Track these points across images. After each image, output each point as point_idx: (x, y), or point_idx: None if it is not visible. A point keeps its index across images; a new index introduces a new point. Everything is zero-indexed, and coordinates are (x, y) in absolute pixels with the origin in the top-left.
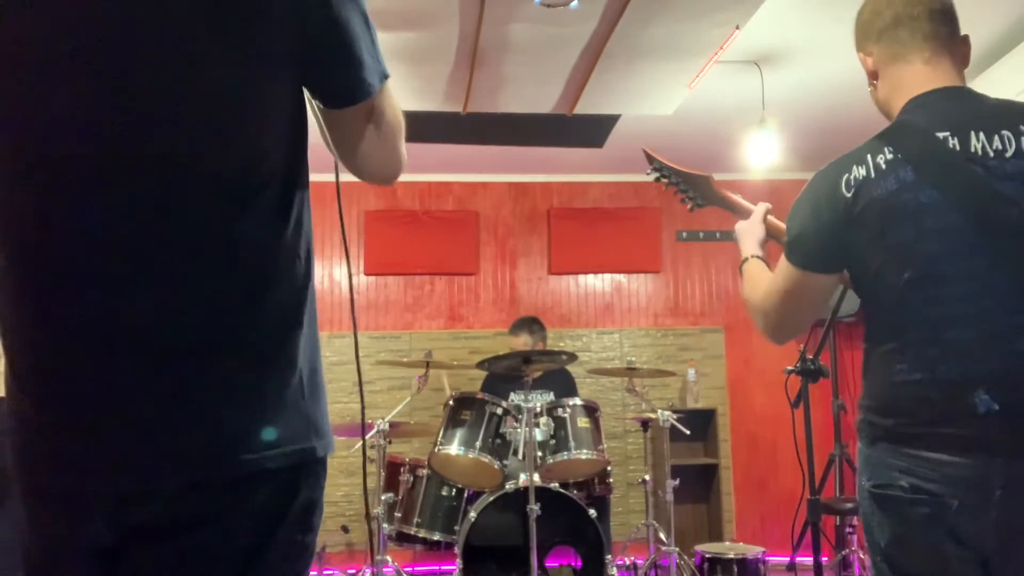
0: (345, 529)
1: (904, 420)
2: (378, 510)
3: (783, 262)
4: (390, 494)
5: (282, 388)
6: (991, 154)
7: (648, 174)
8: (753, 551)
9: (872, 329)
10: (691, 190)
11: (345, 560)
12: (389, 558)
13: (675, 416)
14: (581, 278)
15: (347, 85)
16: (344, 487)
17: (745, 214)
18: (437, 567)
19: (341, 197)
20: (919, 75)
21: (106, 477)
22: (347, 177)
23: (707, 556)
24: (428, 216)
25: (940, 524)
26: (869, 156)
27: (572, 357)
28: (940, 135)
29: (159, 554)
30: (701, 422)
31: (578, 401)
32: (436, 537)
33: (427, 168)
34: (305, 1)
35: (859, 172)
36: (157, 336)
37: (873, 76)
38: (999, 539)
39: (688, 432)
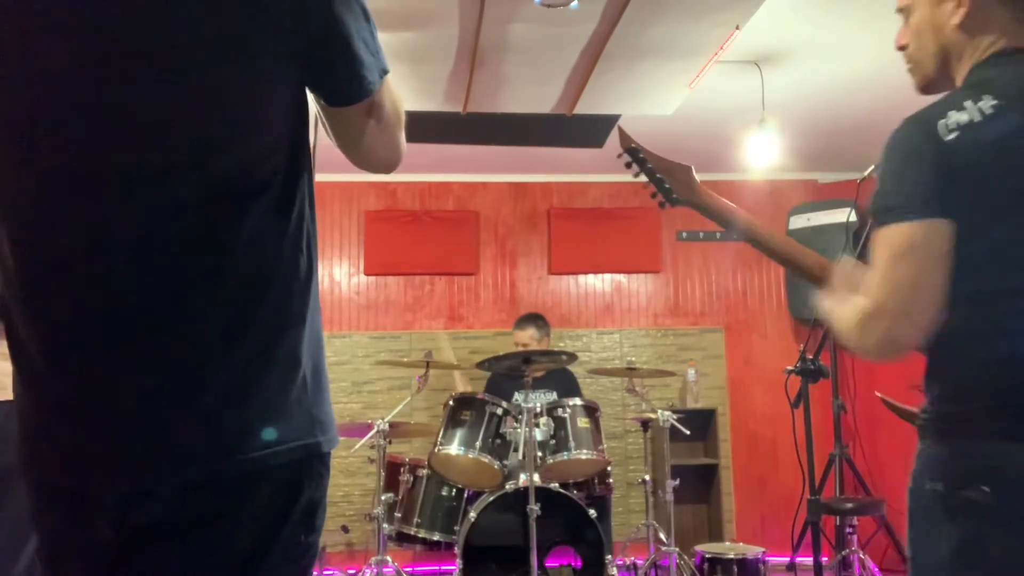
0: (345, 529)
1: (991, 403)
2: (378, 510)
3: (884, 233)
4: (390, 494)
5: (286, 385)
6: None
7: (619, 157)
8: (753, 551)
9: (962, 300)
10: (668, 181)
11: (345, 560)
12: (389, 558)
13: (675, 416)
14: (581, 278)
15: (348, 84)
16: (344, 487)
17: (728, 217)
18: (437, 567)
19: (341, 196)
20: (1005, 33)
21: (110, 477)
22: (347, 177)
23: (707, 556)
24: (428, 216)
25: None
26: (968, 102)
27: (572, 357)
28: None
29: (163, 554)
30: (701, 422)
31: (578, 401)
32: (436, 537)
33: (427, 168)
34: (305, 1)
35: (959, 117)
36: (160, 335)
37: (969, 14)
38: None
39: (688, 432)
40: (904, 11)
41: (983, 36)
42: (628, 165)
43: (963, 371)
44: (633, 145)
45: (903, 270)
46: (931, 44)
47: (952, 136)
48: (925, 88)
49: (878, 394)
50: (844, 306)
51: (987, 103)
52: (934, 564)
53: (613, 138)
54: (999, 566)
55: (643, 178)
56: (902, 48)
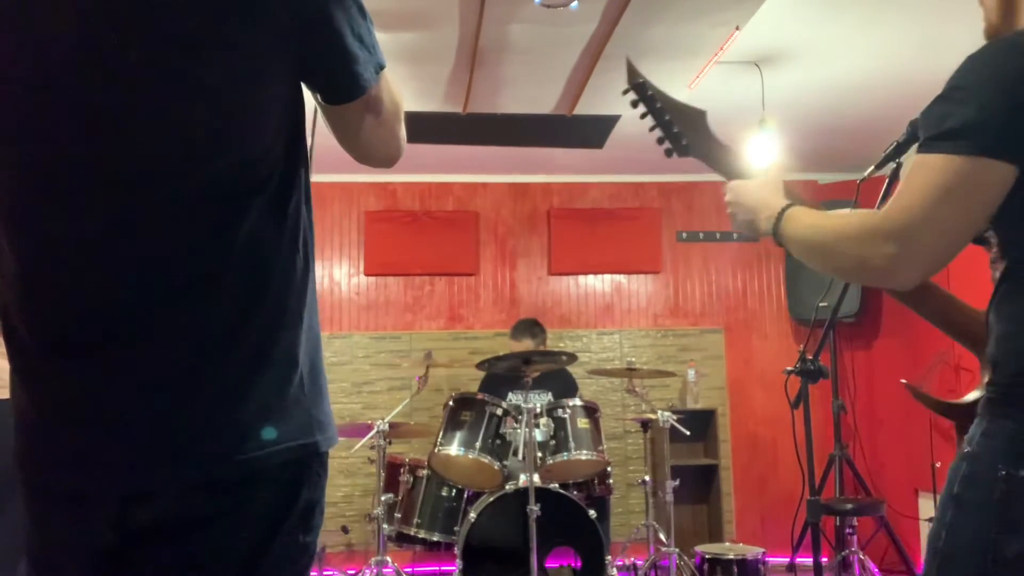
0: (345, 529)
1: None
2: (378, 510)
3: (934, 162)
4: (390, 495)
5: (283, 385)
6: None
7: (624, 93)
8: (753, 551)
9: None
10: (678, 125)
11: (345, 560)
12: (389, 559)
13: (675, 416)
14: (581, 279)
15: (343, 81)
16: (344, 487)
17: (739, 173)
18: (437, 568)
19: (341, 197)
20: None
21: (109, 478)
22: (348, 177)
23: (707, 556)
24: (428, 216)
25: None
26: None
27: (572, 357)
28: None
29: (161, 555)
30: (701, 422)
31: (578, 402)
32: (436, 538)
33: (427, 168)
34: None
35: None
36: (158, 335)
37: None
38: None
39: (688, 432)
40: None
41: None
42: (634, 104)
43: None
44: (640, 80)
45: (947, 211)
46: None
47: None
48: (991, 38)
49: (903, 382)
50: (840, 216)
51: None
52: (992, 561)
53: (613, 138)
54: None
55: (650, 121)
56: None
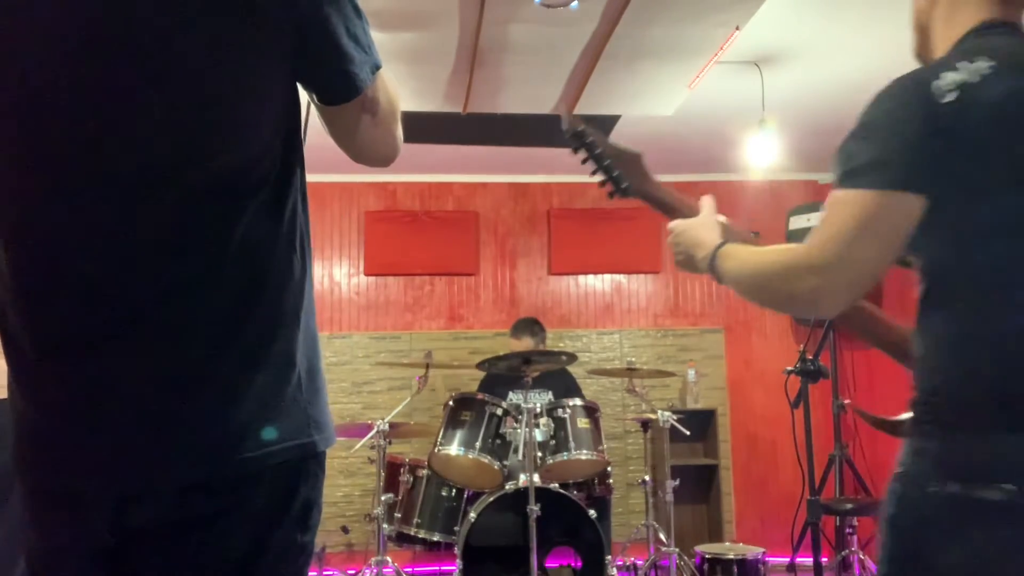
0: (345, 529)
1: (1013, 389)
2: (378, 510)
3: (847, 197)
4: (390, 494)
5: (281, 385)
6: None
7: (567, 138)
8: (753, 551)
9: (958, 286)
10: (618, 169)
11: (345, 560)
12: (389, 558)
13: (675, 416)
14: (581, 278)
15: (339, 82)
16: (344, 487)
17: (683, 212)
18: (437, 568)
19: (341, 197)
20: (980, 8)
21: (106, 478)
22: (348, 177)
23: (707, 557)
24: (428, 216)
25: None
26: (961, 63)
27: (572, 357)
28: None
29: (159, 555)
30: (701, 422)
31: (578, 401)
32: (436, 538)
33: (427, 168)
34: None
35: (956, 77)
36: (155, 336)
37: None
38: None
39: (688, 432)
40: None
41: (961, 11)
42: (575, 150)
43: (972, 352)
44: (580, 128)
45: (861, 243)
46: (915, 22)
47: (950, 97)
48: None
49: (852, 406)
50: (768, 252)
51: (982, 64)
52: (926, 571)
53: (613, 138)
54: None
55: (591, 165)
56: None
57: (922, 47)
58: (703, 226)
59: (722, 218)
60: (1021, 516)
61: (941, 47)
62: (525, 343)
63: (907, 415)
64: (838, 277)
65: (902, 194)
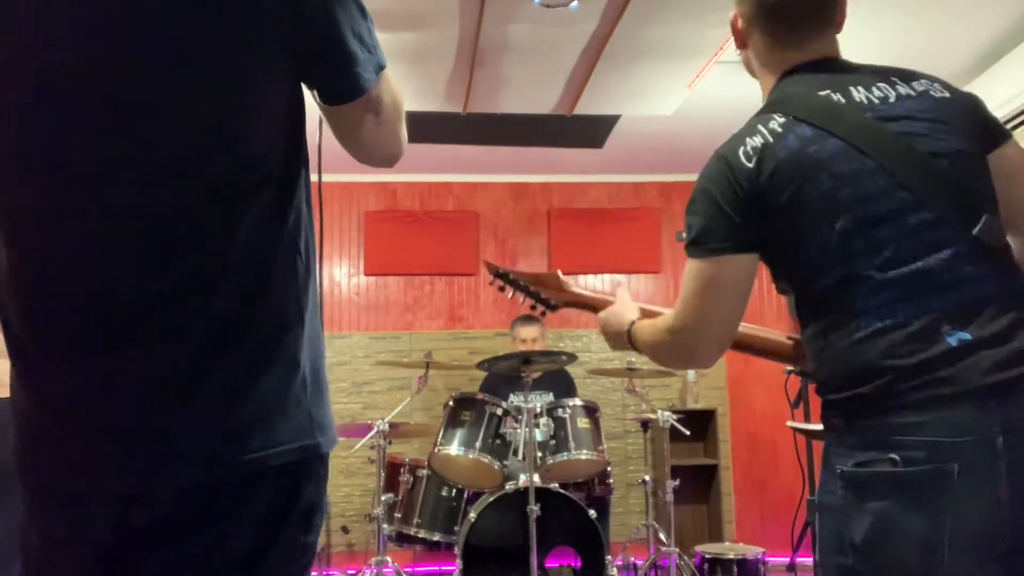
0: (345, 529)
1: (875, 382)
2: (378, 510)
3: (691, 265)
4: (390, 494)
5: (284, 386)
6: (876, 101)
7: (491, 284)
8: (753, 551)
9: (812, 308)
10: (542, 292)
11: (345, 560)
12: (389, 559)
13: (675, 416)
14: (581, 278)
15: (344, 82)
16: (344, 487)
17: (603, 304)
18: (437, 568)
19: (341, 196)
20: (791, 56)
21: (109, 478)
22: (348, 178)
23: (707, 556)
24: (428, 216)
25: (940, 501)
26: (760, 126)
27: (572, 357)
28: (821, 94)
29: (161, 555)
30: (701, 422)
31: (578, 401)
32: (436, 538)
33: (427, 168)
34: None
35: (755, 142)
36: (158, 337)
37: (741, 41)
38: (1013, 493)
39: (688, 432)
40: None
41: (769, 59)
42: (501, 289)
43: (838, 361)
44: (501, 270)
45: (710, 302)
46: (750, 71)
47: (752, 163)
48: None
49: (789, 424)
50: (656, 323)
51: (776, 122)
52: (848, 548)
53: (613, 138)
54: (916, 538)
55: (519, 295)
56: None
57: (763, 90)
58: (620, 312)
59: (632, 304)
60: (907, 483)
61: (764, 95)
62: (535, 329)
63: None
64: (699, 334)
65: (731, 256)
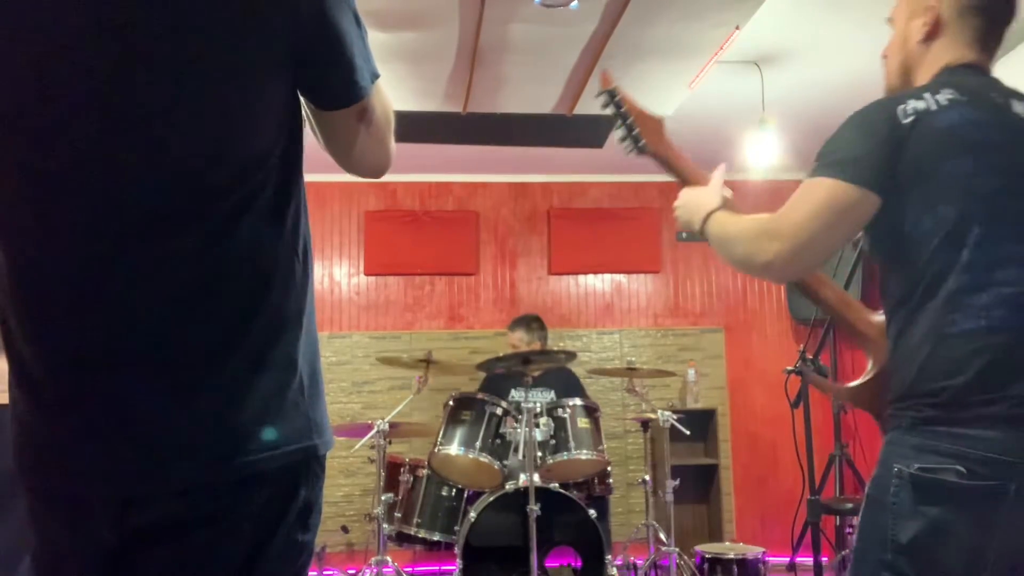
0: (345, 529)
1: (950, 383)
2: (378, 510)
3: (817, 182)
4: (390, 494)
5: (282, 388)
6: None
7: (597, 96)
8: (753, 551)
9: (908, 283)
10: (639, 127)
11: (345, 560)
12: (389, 558)
13: (675, 416)
14: (581, 278)
15: (339, 88)
16: (344, 487)
17: (691, 180)
18: (437, 567)
19: (341, 196)
20: (965, 53)
21: (109, 481)
22: (348, 177)
23: (707, 556)
24: (428, 216)
25: (994, 516)
26: (928, 94)
27: (571, 356)
28: (988, 91)
29: (161, 556)
30: (701, 422)
31: (578, 401)
32: (436, 537)
33: (427, 168)
34: (298, 4)
35: (918, 104)
36: (157, 339)
37: (932, 32)
38: None
39: (688, 432)
40: (891, 22)
41: (942, 53)
42: (605, 105)
43: (925, 352)
44: (612, 87)
45: (822, 220)
46: (898, 56)
47: (908, 120)
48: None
49: (806, 374)
50: (746, 219)
51: (944, 95)
52: (890, 544)
53: (613, 138)
54: (965, 547)
55: (617, 121)
56: (885, 58)
57: (902, 85)
58: (706, 194)
59: (728, 192)
60: (969, 495)
61: (921, 81)
62: (519, 336)
63: (853, 383)
64: (793, 245)
65: (864, 190)
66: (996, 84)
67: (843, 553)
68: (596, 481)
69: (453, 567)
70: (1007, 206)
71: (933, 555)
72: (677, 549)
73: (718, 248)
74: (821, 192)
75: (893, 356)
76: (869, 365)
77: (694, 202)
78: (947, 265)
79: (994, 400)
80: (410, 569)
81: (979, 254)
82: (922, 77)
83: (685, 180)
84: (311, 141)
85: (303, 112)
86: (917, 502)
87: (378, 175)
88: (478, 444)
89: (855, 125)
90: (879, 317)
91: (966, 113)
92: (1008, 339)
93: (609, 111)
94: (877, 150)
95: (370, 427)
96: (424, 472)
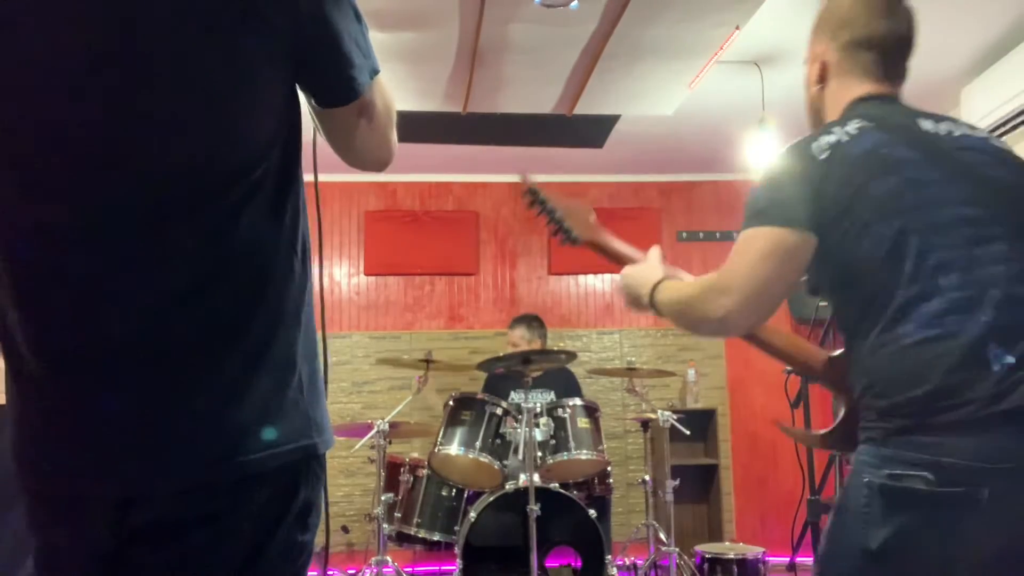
0: (345, 529)
1: (914, 393)
2: (378, 510)
3: (754, 233)
4: (390, 494)
5: (282, 387)
6: (942, 132)
7: (523, 197)
8: (753, 551)
9: (859, 306)
10: (568, 221)
11: (345, 560)
12: (389, 558)
13: (675, 416)
14: (581, 278)
15: (339, 85)
16: (344, 487)
17: (628, 260)
18: (437, 567)
19: (341, 196)
20: (867, 86)
21: (107, 481)
22: (348, 177)
23: (707, 556)
24: (428, 216)
25: (965, 524)
26: (837, 127)
27: (571, 356)
28: (896, 116)
29: (161, 555)
30: (701, 422)
31: (578, 401)
32: (436, 537)
33: (427, 168)
34: (297, 3)
35: (829, 139)
36: (156, 338)
37: (821, 76)
38: None
39: (688, 432)
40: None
41: (841, 90)
42: (530, 206)
43: (881, 366)
44: (532, 186)
45: (767, 268)
46: (806, 100)
47: (824, 155)
48: (810, 108)
49: (778, 423)
50: (691, 283)
51: (853, 126)
52: (859, 552)
53: (613, 138)
54: (935, 555)
55: (544, 218)
56: None
57: (815, 125)
58: (648, 267)
59: (662, 266)
60: (938, 502)
61: (831, 118)
62: (519, 334)
63: (825, 430)
64: (744, 296)
65: (798, 231)
66: (901, 107)
67: None
68: (596, 481)
69: (453, 567)
70: (938, 214)
71: (901, 563)
72: (677, 549)
73: (670, 314)
74: (759, 242)
75: (857, 378)
76: (840, 411)
77: (639, 277)
78: (892, 279)
79: (959, 405)
80: (410, 569)
81: (920, 263)
82: (831, 115)
83: (620, 261)
84: (311, 141)
85: (305, 107)
86: (887, 510)
87: (380, 168)
88: (478, 444)
89: (776, 173)
90: (834, 352)
91: (877, 137)
92: (963, 342)
93: (535, 210)
94: (800, 191)
95: (370, 427)
96: (424, 472)
